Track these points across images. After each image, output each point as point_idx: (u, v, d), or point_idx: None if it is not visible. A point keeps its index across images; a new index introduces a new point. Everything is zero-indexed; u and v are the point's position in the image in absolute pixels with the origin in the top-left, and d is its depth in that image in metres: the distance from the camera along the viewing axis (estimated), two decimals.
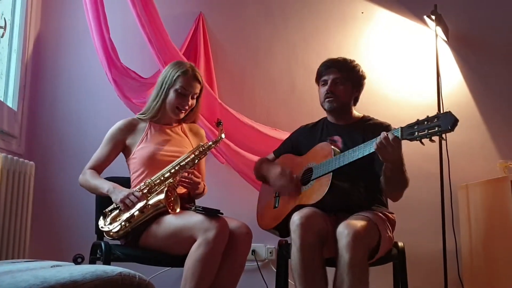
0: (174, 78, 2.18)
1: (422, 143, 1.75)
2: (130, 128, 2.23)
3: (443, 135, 1.74)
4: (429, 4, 2.90)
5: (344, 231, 1.84)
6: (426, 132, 1.72)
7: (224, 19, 3.13)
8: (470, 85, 3.08)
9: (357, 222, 1.89)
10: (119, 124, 2.24)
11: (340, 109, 2.22)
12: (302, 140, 2.34)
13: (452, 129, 1.66)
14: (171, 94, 2.19)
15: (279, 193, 2.26)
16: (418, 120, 1.77)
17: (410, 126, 1.79)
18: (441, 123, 1.68)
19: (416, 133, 1.75)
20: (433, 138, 1.72)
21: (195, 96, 2.24)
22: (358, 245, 1.81)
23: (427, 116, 1.74)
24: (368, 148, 1.91)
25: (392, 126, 2.21)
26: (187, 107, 2.21)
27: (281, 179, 2.16)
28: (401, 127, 1.82)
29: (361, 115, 2.29)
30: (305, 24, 3.13)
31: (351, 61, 2.25)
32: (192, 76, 2.20)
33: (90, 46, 2.79)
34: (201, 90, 2.26)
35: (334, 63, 2.23)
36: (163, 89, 2.20)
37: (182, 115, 2.23)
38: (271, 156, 2.44)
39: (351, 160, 1.96)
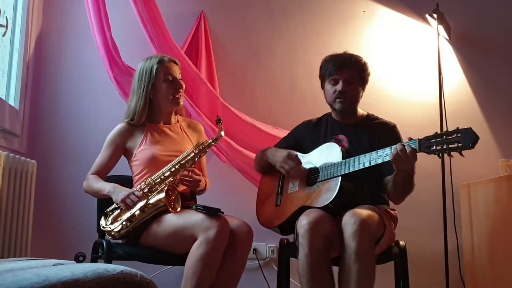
0: (154, 71, 2.15)
1: (439, 157, 1.74)
2: (128, 132, 2.21)
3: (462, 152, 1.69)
4: (431, 3, 2.88)
5: (350, 219, 1.84)
6: (445, 147, 1.70)
7: (226, 18, 3.13)
8: (472, 84, 3.08)
9: (363, 211, 1.89)
10: (117, 128, 2.22)
11: (348, 108, 2.20)
12: (305, 136, 2.31)
13: (472, 147, 1.64)
14: (163, 87, 2.16)
15: (282, 183, 2.23)
16: (436, 133, 1.75)
17: (428, 138, 1.76)
18: (461, 140, 1.66)
19: (434, 146, 1.73)
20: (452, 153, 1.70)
21: (181, 77, 2.22)
22: (365, 234, 1.81)
23: (446, 130, 1.72)
24: (382, 157, 1.88)
25: (397, 126, 2.20)
26: (181, 90, 2.20)
27: (287, 162, 2.12)
28: (419, 139, 1.79)
29: (365, 113, 2.26)
30: (306, 23, 3.12)
31: (360, 58, 2.20)
32: (168, 60, 2.19)
33: (92, 45, 2.79)
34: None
35: (347, 60, 2.17)
36: (144, 88, 2.15)
37: (181, 100, 2.22)
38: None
39: (362, 167, 1.93)
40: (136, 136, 2.20)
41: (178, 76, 2.20)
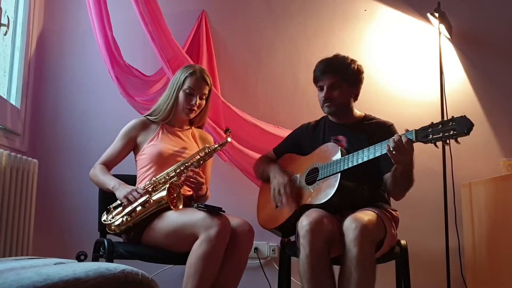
0: (183, 79, 2.23)
1: (436, 145, 1.76)
2: (143, 127, 2.28)
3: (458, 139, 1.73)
4: (432, 2, 2.88)
5: (351, 225, 1.84)
6: (441, 135, 1.72)
7: (227, 17, 3.13)
8: (474, 83, 3.07)
9: (364, 216, 1.89)
10: (133, 122, 2.29)
11: (339, 111, 2.21)
12: (304, 139, 2.32)
13: (468, 133, 1.67)
14: (181, 96, 2.24)
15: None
16: (432, 123, 1.77)
17: (424, 128, 1.78)
18: (456, 127, 1.69)
19: (431, 135, 1.75)
20: (447, 141, 1.73)
21: (204, 97, 2.27)
22: (366, 239, 1.82)
23: (442, 119, 1.75)
24: (380, 150, 1.90)
25: (395, 125, 2.21)
26: (195, 107, 2.24)
27: (279, 196, 2.12)
28: (415, 130, 1.81)
29: (362, 114, 2.28)
30: (307, 22, 3.12)
31: (345, 59, 2.20)
32: (199, 77, 2.24)
33: (93, 44, 2.79)
34: (209, 92, 2.29)
35: (329, 66, 2.18)
36: (173, 91, 2.25)
37: (192, 115, 2.27)
38: (270, 153, 2.43)
39: (361, 161, 1.95)
40: (149, 132, 2.27)
41: (200, 94, 2.24)
